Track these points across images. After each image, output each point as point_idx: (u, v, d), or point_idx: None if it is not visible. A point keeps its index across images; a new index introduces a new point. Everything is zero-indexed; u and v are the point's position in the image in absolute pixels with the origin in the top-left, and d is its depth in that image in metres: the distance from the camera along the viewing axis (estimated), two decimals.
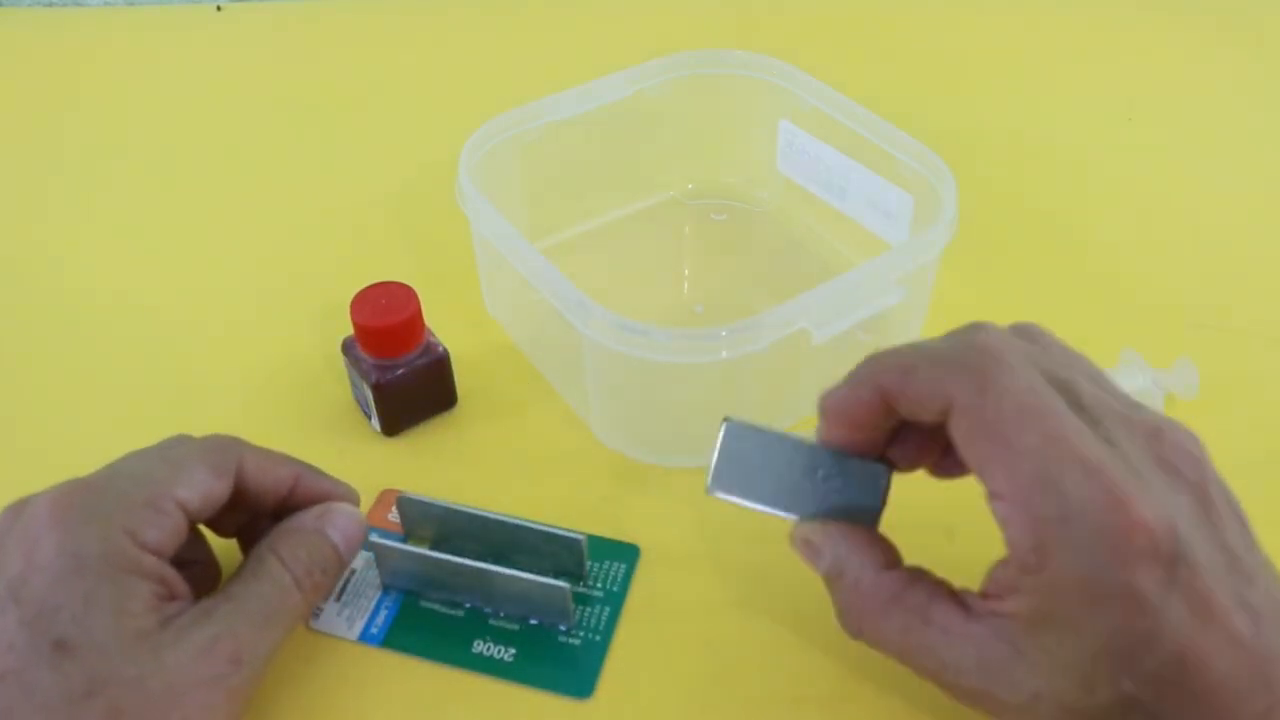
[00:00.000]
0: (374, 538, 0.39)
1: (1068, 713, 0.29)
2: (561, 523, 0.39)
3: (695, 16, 0.76)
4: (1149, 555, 0.27)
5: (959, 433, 0.29)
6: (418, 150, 0.63)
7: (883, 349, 0.32)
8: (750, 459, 0.34)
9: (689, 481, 0.43)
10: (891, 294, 0.42)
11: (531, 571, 0.37)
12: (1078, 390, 0.30)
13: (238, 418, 0.42)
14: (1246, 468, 0.31)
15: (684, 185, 0.59)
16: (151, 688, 0.30)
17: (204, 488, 0.34)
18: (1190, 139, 0.64)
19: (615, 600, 0.39)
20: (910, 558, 0.34)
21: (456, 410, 0.47)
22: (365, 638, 0.38)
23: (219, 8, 0.79)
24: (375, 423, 0.45)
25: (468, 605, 0.39)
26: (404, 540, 0.41)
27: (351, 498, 0.39)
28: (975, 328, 0.31)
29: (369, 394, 0.44)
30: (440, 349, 0.45)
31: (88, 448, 0.37)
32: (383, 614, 0.39)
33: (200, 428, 0.37)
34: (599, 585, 0.40)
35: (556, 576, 0.37)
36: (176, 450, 0.35)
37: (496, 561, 0.38)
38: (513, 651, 0.38)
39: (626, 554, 0.41)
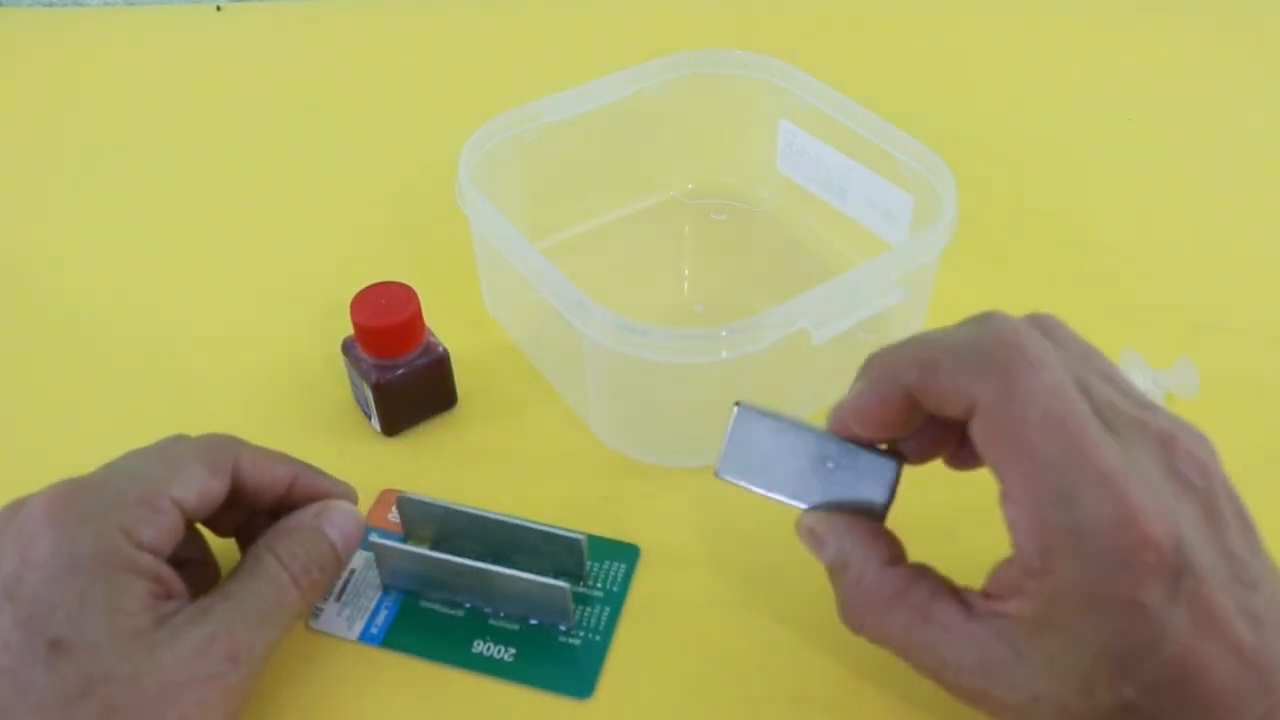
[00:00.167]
0: (374, 538, 0.39)
1: (1067, 715, 0.28)
2: (561, 523, 0.39)
3: (695, 16, 0.76)
4: (1155, 568, 0.27)
5: (979, 433, 0.29)
6: (418, 150, 0.63)
7: (898, 340, 0.32)
8: (761, 445, 0.34)
9: (689, 481, 0.43)
10: (891, 294, 0.42)
11: (531, 571, 0.37)
12: (1093, 389, 0.29)
13: (237, 418, 0.42)
14: (1246, 468, 0.31)
15: (684, 185, 0.59)
16: (147, 686, 0.30)
17: (200, 486, 0.34)
18: (1190, 139, 0.64)
19: (615, 600, 0.39)
20: (909, 556, 0.33)
21: (456, 410, 0.47)
22: (365, 638, 0.38)
23: (219, 8, 0.79)
24: (375, 423, 0.45)
25: (468, 605, 0.39)
26: (404, 540, 0.41)
27: (349, 496, 0.39)
28: (992, 317, 0.30)
29: (369, 394, 0.44)
30: (440, 349, 0.45)
31: (87, 448, 0.37)
32: (383, 614, 0.39)
33: (200, 428, 0.37)
34: (599, 585, 0.40)
35: (556, 576, 0.37)
36: (173, 449, 0.35)
37: (496, 561, 0.38)
38: (513, 651, 0.38)
39: (626, 554, 0.41)
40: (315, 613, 0.39)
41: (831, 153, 0.51)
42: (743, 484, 0.35)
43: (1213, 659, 0.27)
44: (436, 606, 0.39)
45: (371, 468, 0.44)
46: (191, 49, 0.75)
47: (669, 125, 0.55)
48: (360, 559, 0.40)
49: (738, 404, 0.35)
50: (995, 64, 0.72)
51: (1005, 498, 0.29)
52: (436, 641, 0.38)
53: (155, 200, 0.60)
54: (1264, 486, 0.32)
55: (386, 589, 0.40)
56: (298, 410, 0.47)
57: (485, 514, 0.39)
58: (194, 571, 0.36)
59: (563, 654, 0.38)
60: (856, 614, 0.33)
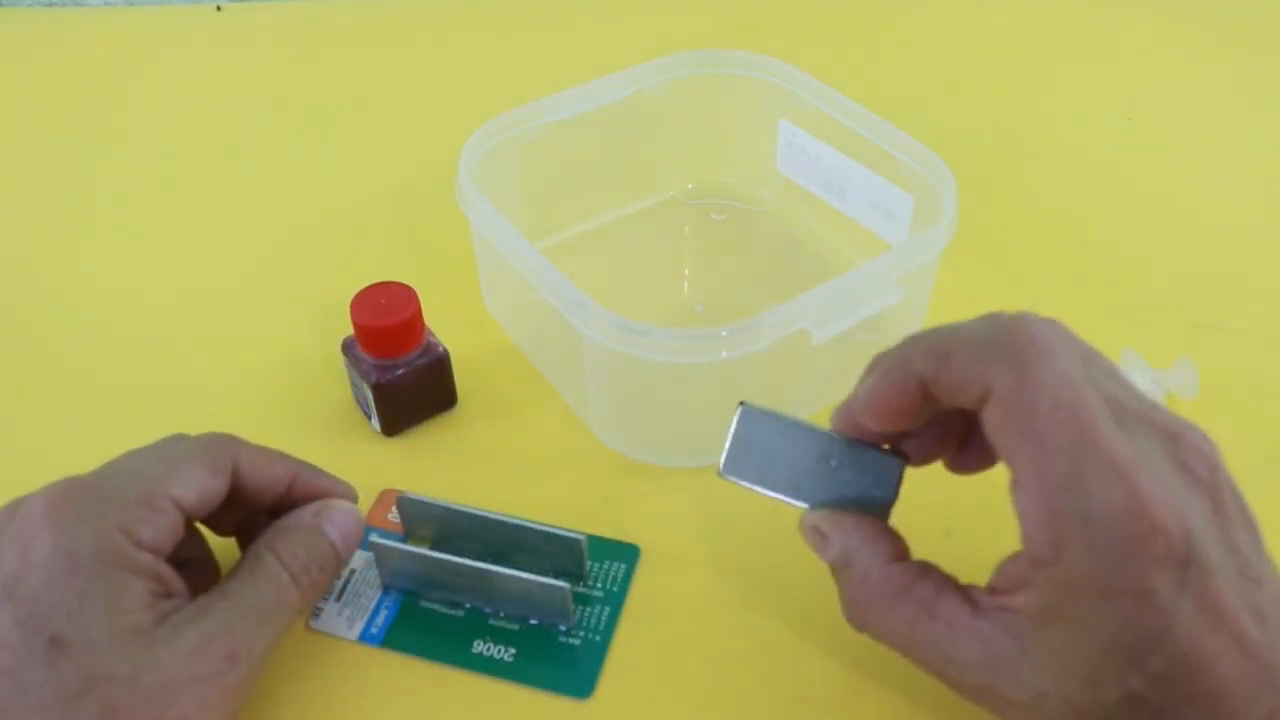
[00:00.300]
0: (374, 538, 0.39)
1: (1073, 710, 0.28)
2: (561, 523, 0.39)
3: (695, 16, 0.76)
4: (1164, 557, 0.27)
5: (991, 421, 0.29)
6: (418, 150, 0.63)
7: (914, 333, 0.32)
8: (764, 444, 0.34)
9: (689, 481, 0.43)
10: (891, 294, 0.42)
11: (531, 571, 0.37)
12: (1100, 385, 0.29)
13: (238, 417, 0.42)
14: (1247, 468, 0.31)
15: (684, 185, 0.59)
16: (146, 685, 0.30)
17: (200, 485, 0.34)
18: (1190, 139, 0.64)
19: (615, 600, 0.39)
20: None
21: (456, 410, 0.47)
22: (365, 638, 0.38)
23: (219, 8, 0.79)
24: (375, 423, 0.45)
25: (468, 605, 0.39)
26: (404, 540, 0.41)
27: (349, 495, 0.39)
28: (1004, 313, 0.31)
29: (369, 394, 0.44)
30: (440, 349, 0.45)
31: (87, 448, 0.37)
32: (383, 614, 0.39)
33: (200, 427, 0.37)
34: (599, 585, 0.40)
35: (556, 576, 0.37)
36: (173, 448, 0.35)
37: (496, 561, 0.38)
38: (513, 651, 0.38)
39: (626, 554, 0.41)
40: (315, 612, 0.39)
41: (831, 153, 0.51)
42: (745, 484, 0.35)
43: (1219, 653, 0.27)
44: (436, 606, 0.39)
45: (371, 468, 0.44)
46: (191, 49, 0.75)
47: (669, 125, 0.55)
48: (360, 559, 0.40)
49: (741, 404, 0.35)
50: (995, 64, 0.72)
51: (1016, 485, 0.29)
52: (436, 641, 0.38)
53: (155, 200, 0.60)
54: (1264, 486, 0.32)
55: (386, 589, 0.40)
56: (298, 410, 0.47)
57: (485, 514, 0.39)
58: (194, 570, 0.36)
59: (563, 654, 0.38)
60: (861, 611, 0.33)
